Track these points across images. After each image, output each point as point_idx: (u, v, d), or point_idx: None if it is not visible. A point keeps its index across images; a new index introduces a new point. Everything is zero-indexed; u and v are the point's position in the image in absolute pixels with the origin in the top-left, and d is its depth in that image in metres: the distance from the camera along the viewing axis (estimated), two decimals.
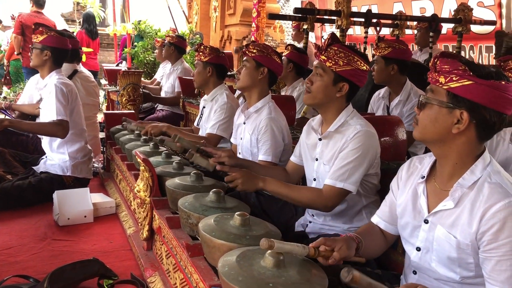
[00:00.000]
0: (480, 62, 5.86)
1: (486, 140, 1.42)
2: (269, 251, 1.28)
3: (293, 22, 6.40)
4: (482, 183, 1.35)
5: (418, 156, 1.65)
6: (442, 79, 1.37)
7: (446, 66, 1.38)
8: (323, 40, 2.95)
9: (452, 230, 1.39)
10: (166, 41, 5.11)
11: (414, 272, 1.56)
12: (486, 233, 1.30)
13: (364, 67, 1.99)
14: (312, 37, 9.06)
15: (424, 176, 1.52)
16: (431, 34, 4.60)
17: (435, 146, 1.45)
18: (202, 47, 3.28)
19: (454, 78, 1.34)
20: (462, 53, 5.84)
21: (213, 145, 3.06)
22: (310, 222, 2.25)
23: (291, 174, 2.37)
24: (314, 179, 2.19)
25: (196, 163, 2.16)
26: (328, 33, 9.28)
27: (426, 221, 1.48)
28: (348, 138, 1.99)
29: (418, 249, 1.52)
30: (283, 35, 10.50)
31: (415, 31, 5.25)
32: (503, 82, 1.33)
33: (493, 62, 5.44)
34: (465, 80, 1.33)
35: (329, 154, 2.07)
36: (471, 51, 5.95)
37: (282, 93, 4.29)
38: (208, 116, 3.24)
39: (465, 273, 1.40)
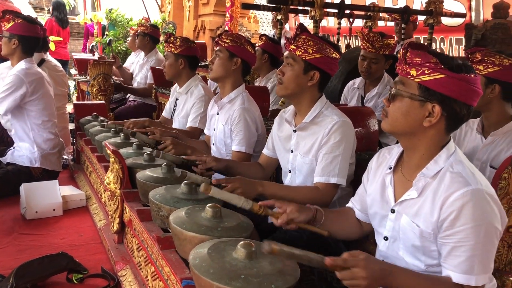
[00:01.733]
0: (450, 54, 5.98)
1: (453, 131, 1.45)
2: (241, 242, 1.27)
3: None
4: (444, 173, 1.38)
5: (387, 147, 1.67)
6: (413, 72, 1.37)
7: (417, 59, 1.38)
8: None
9: (415, 219, 1.42)
10: (139, 31, 5.01)
11: None
12: (445, 221, 1.33)
13: (334, 55, 2.00)
14: (287, 28, 9.04)
15: (391, 167, 1.54)
16: (403, 26, 4.65)
17: (405, 138, 1.47)
18: (172, 38, 3.21)
19: (426, 71, 1.35)
20: (433, 45, 5.93)
21: (196, 138, 3.03)
22: None
23: (265, 167, 2.36)
24: (290, 171, 2.19)
25: (164, 158, 2.13)
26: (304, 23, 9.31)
27: (392, 211, 1.51)
28: (326, 130, 1.99)
29: (386, 238, 1.54)
30: (257, 25, 10.48)
31: (389, 23, 5.32)
32: (472, 75, 1.36)
33: (462, 54, 5.54)
34: (437, 74, 1.34)
35: (306, 146, 2.07)
36: (441, 43, 6.05)
37: (256, 84, 4.27)
38: (182, 109, 3.19)
39: (429, 261, 1.43)
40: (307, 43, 1.97)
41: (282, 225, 1.56)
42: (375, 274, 1.26)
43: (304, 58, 1.98)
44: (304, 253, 1.28)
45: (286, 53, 2.05)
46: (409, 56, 1.41)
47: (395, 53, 4.39)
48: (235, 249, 1.27)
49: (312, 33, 4.15)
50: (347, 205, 1.79)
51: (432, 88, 1.35)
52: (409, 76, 1.39)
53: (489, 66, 2.19)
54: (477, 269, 1.30)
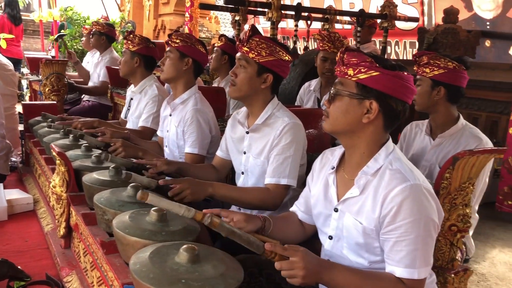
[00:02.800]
0: (405, 57, 6.15)
1: (390, 129, 1.50)
2: (184, 246, 1.25)
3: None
4: (384, 170, 1.42)
5: (330, 149, 1.71)
6: (350, 71, 1.43)
7: (353, 59, 1.44)
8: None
9: (358, 216, 1.45)
10: (94, 30, 4.88)
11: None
12: (386, 217, 1.37)
13: (287, 58, 2.02)
14: (247, 29, 9.05)
15: (334, 167, 1.58)
16: (359, 29, 4.74)
17: (345, 136, 1.50)
18: (131, 35, 3.16)
19: (362, 70, 1.41)
20: (389, 48, 6.09)
21: (147, 138, 2.97)
22: None
23: (219, 169, 2.34)
24: (243, 173, 2.19)
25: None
26: (263, 25, 9.35)
27: (336, 210, 1.53)
28: (277, 132, 2.00)
29: (330, 237, 1.57)
30: (218, 26, 10.44)
31: (346, 26, 5.40)
32: (406, 73, 1.43)
33: None
34: (372, 71, 1.40)
35: (258, 147, 2.07)
36: (396, 46, 6.21)
37: (215, 85, 4.25)
38: (136, 109, 3.14)
39: (373, 258, 1.46)
40: (260, 46, 1.97)
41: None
42: (312, 267, 1.30)
43: (257, 61, 1.98)
44: (244, 234, 1.27)
45: (238, 55, 2.04)
46: (346, 57, 1.47)
47: None
48: (177, 253, 1.25)
49: (270, 34, 4.19)
50: (290, 209, 1.80)
51: (369, 85, 1.41)
52: (346, 76, 1.45)
53: (435, 69, 2.27)
54: (419, 262, 1.34)
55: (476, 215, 2.51)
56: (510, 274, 2.79)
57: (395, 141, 1.82)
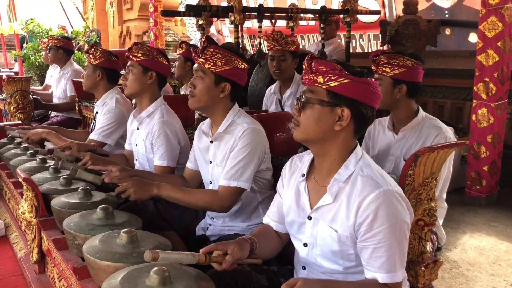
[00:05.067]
0: (370, 49, 6.24)
1: (359, 134, 1.52)
2: (154, 268, 1.26)
3: None
4: (356, 177, 1.44)
5: (298, 155, 1.71)
6: (320, 79, 1.43)
7: (322, 67, 1.44)
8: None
9: (332, 224, 1.47)
10: (50, 45, 4.79)
11: (303, 268, 1.62)
12: (362, 224, 1.39)
13: (243, 65, 2.04)
14: (213, 30, 9.02)
15: (304, 174, 1.58)
16: (322, 25, 4.79)
17: (317, 144, 1.50)
18: (93, 49, 3.12)
19: (332, 78, 1.42)
20: (353, 42, 6.16)
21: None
22: (210, 225, 2.25)
23: (190, 180, 2.35)
24: (210, 182, 2.20)
25: (81, 178, 2.06)
26: (228, 26, 9.33)
27: (309, 218, 1.54)
28: (236, 137, 2.02)
29: (305, 245, 1.58)
30: (185, 28, 10.37)
31: (311, 22, 5.45)
32: (373, 80, 1.46)
33: (380, 49, 5.80)
34: (343, 79, 1.41)
35: (221, 155, 2.09)
36: (360, 39, 6.30)
37: (182, 92, 4.24)
38: (99, 122, 3.11)
39: (347, 264, 1.48)
40: (215, 56, 1.98)
41: (228, 268, 1.45)
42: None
43: (214, 71, 2.00)
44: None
45: (195, 66, 2.05)
46: (314, 65, 1.47)
47: (316, 53, 4.53)
48: (148, 275, 1.26)
49: (234, 37, 4.20)
50: (264, 220, 1.79)
51: (340, 93, 1.42)
52: (316, 84, 1.45)
53: (395, 68, 2.32)
54: (397, 265, 1.39)
55: (445, 203, 2.58)
56: (480, 259, 2.88)
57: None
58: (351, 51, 4.99)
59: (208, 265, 1.45)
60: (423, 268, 1.84)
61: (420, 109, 2.47)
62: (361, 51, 6.27)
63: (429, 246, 1.97)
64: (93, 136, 3.00)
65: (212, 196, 2.02)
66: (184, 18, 10.20)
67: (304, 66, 1.52)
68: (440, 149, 1.79)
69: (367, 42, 6.21)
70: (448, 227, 3.19)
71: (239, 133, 2.01)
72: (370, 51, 6.10)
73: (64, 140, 2.81)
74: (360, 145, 1.63)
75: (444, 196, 2.55)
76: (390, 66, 2.34)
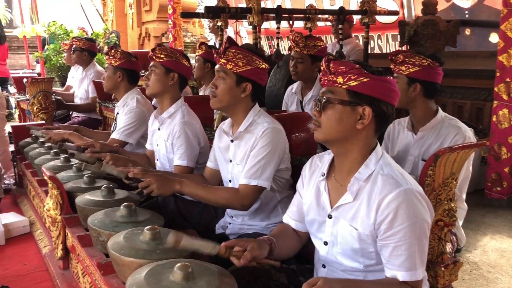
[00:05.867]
0: (388, 50, 6.21)
1: (380, 132, 1.54)
2: (178, 264, 1.29)
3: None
4: (376, 176, 1.46)
5: (319, 154, 1.73)
6: (340, 80, 1.45)
7: (341, 67, 1.47)
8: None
9: (353, 222, 1.48)
10: (75, 46, 4.89)
11: (324, 266, 1.64)
12: (382, 223, 1.40)
13: (263, 66, 2.07)
14: (231, 32, 9.08)
15: (324, 174, 1.60)
16: (340, 26, 4.79)
17: (338, 144, 1.52)
18: (113, 50, 3.18)
19: (352, 77, 1.44)
20: (371, 43, 6.14)
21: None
22: (229, 223, 2.28)
23: (209, 179, 2.38)
24: (230, 181, 2.23)
25: (106, 172, 2.09)
26: (246, 28, 9.37)
27: (330, 216, 1.56)
28: (257, 137, 2.04)
29: (326, 243, 1.59)
30: (203, 29, 10.44)
31: (329, 23, 5.44)
32: (391, 78, 1.48)
33: (399, 49, 5.77)
34: (362, 78, 1.43)
35: (241, 154, 2.12)
36: (379, 40, 6.27)
37: (201, 93, 4.28)
38: (120, 123, 3.16)
39: (368, 262, 1.50)
40: (237, 56, 2.02)
41: (245, 264, 1.49)
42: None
43: (235, 71, 2.03)
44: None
45: (217, 67, 2.09)
46: (332, 66, 1.49)
47: (334, 53, 4.53)
48: (172, 271, 1.29)
49: (252, 38, 4.22)
50: (283, 220, 1.81)
51: (360, 92, 1.44)
52: (336, 84, 1.47)
53: (410, 67, 2.34)
54: (418, 263, 1.40)
55: (465, 204, 2.57)
56: (501, 261, 2.85)
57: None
58: (369, 51, 4.98)
59: (227, 258, 1.48)
60: (443, 268, 1.84)
61: (440, 109, 2.46)
62: (380, 52, 6.25)
63: (448, 247, 1.96)
64: (115, 135, 3.05)
65: (233, 194, 2.05)
66: (202, 19, 10.29)
67: (321, 68, 1.55)
68: (460, 150, 1.78)
69: (386, 43, 6.18)
70: (468, 229, 3.16)
71: (260, 132, 2.03)
72: (388, 51, 6.07)
73: (86, 140, 2.87)
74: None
75: (464, 196, 2.54)
76: (406, 65, 2.36)
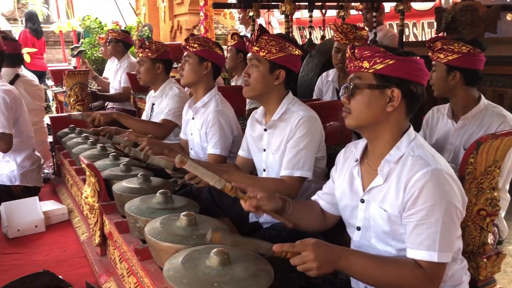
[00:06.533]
0: (424, 38, 6.03)
1: (412, 114, 1.51)
2: (214, 250, 1.29)
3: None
4: (406, 157, 1.44)
5: (354, 142, 1.72)
6: (366, 64, 1.45)
7: (366, 52, 1.47)
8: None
9: (383, 204, 1.47)
10: (110, 38, 4.97)
11: None
12: (408, 201, 1.39)
13: (297, 52, 2.04)
14: (261, 23, 9.03)
15: (357, 159, 1.60)
16: (374, 14, 4.68)
17: (369, 129, 1.51)
18: (147, 43, 3.20)
19: (378, 61, 1.43)
20: (406, 30, 5.98)
21: (167, 131, 3.02)
22: None
23: (242, 168, 2.38)
24: (264, 170, 2.22)
25: (154, 163, 2.08)
26: (277, 18, 9.31)
27: (362, 201, 1.56)
28: (293, 125, 2.02)
29: (358, 228, 1.59)
30: (233, 21, 10.43)
31: (361, 12, 5.34)
32: (418, 57, 1.46)
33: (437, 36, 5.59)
34: (388, 60, 1.43)
35: (276, 143, 2.10)
36: (414, 28, 6.10)
37: (233, 83, 4.28)
38: (158, 111, 3.17)
39: (400, 245, 1.47)
40: (270, 43, 1.99)
41: (250, 209, 1.57)
42: (324, 256, 1.33)
43: (268, 58, 2.00)
44: (249, 240, 1.32)
45: (249, 55, 2.07)
46: (357, 52, 1.50)
47: (368, 42, 4.43)
48: (208, 257, 1.30)
49: (284, 27, 4.18)
50: (312, 198, 1.82)
51: (387, 74, 1.43)
52: (363, 69, 1.47)
53: (449, 54, 2.26)
54: (439, 246, 1.35)
55: (508, 195, 2.48)
56: None
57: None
58: (404, 40, 4.85)
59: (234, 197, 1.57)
60: (484, 260, 1.79)
61: (482, 97, 2.37)
62: (415, 40, 6.09)
63: (490, 238, 1.90)
64: (165, 116, 3.03)
65: (281, 185, 2.02)
66: (233, 11, 10.29)
67: (347, 55, 1.55)
68: (504, 137, 1.72)
69: (421, 31, 6.01)
70: (510, 221, 3.05)
71: (295, 121, 2.01)
72: (423, 39, 5.90)
73: (132, 119, 2.87)
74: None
75: (507, 187, 2.44)
76: (444, 52, 2.28)
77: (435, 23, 4.97)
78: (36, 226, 2.70)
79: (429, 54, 2.39)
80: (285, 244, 1.34)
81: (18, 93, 3.21)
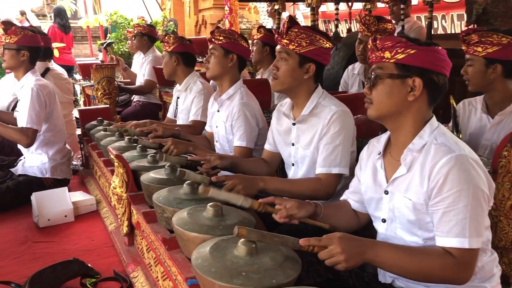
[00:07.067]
0: (453, 30, 5.90)
1: (434, 104, 1.50)
2: (242, 240, 1.29)
3: None
4: (429, 145, 1.43)
5: (376, 137, 1.72)
6: (387, 54, 1.46)
7: (388, 42, 1.47)
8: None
9: (407, 193, 1.46)
10: (136, 32, 5.02)
11: None
12: (433, 189, 1.37)
13: (327, 45, 2.00)
14: (285, 16, 8.98)
15: (380, 152, 1.59)
16: (402, 6, 4.60)
17: (391, 119, 1.51)
18: (166, 37, 3.24)
19: (399, 50, 1.43)
20: (435, 23, 5.86)
21: (198, 131, 3.04)
22: None
23: (270, 162, 2.36)
24: (293, 164, 2.20)
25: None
26: (302, 11, 9.25)
27: (386, 192, 1.55)
28: (325, 121, 1.99)
29: (384, 220, 1.58)
30: (258, 16, 10.41)
31: (387, 5, 5.25)
32: (440, 48, 1.46)
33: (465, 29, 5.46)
34: (410, 50, 1.43)
35: (307, 138, 2.08)
36: (443, 20, 5.97)
37: (258, 77, 4.27)
38: (184, 106, 3.21)
39: (426, 235, 1.46)
40: (300, 36, 1.96)
41: (282, 221, 1.58)
42: (352, 249, 1.33)
43: (298, 52, 1.97)
44: (275, 235, 1.31)
45: (278, 48, 2.03)
46: (379, 43, 1.50)
47: (395, 35, 4.35)
48: (236, 246, 1.30)
49: (310, 20, 4.15)
50: (341, 198, 1.81)
51: (408, 64, 1.43)
52: (384, 60, 1.47)
53: (488, 47, 2.18)
54: (469, 231, 1.32)
55: None
56: None
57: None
58: (432, 33, 4.75)
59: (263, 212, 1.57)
60: None
61: None
62: (444, 33, 5.96)
63: None
64: (194, 117, 3.08)
65: (318, 184, 2.00)
66: (258, 6, 10.26)
67: (369, 46, 1.54)
68: None
69: (450, 23, 5.87)
70: None
71: (328, 117, 1.98)
72: (453, 32, 5.77)
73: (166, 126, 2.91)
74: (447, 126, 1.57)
75: None
76: (482, 45, 2.20)
77: (465, 15, 4.85)
78: (65, 216, 2.76)
79: (463, 47, 2.32)
80: (312, 238, 1.33)
81: (52, 87, 3.28)
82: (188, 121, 3.15)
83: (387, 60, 1.45)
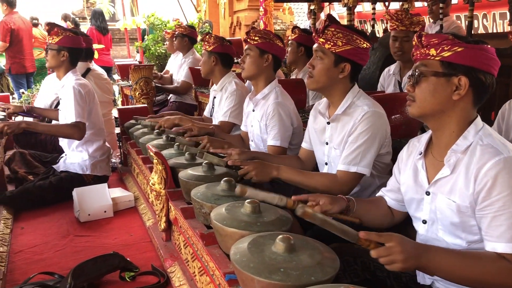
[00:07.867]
0: (495, 30, 5.72)
1: (479, 104, 1.45)
2: (280, 236, 1.30)
3: None
4: (475, 147, 1.39)
5: (417, 137, 1.68)
6: (433, 52, 1.42)
7: (434, 39, 1.43)
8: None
9: (451, 195, 1.42)
10: (177, 32, 5.11)
11: None
12: (480, 192, 1.33)
13: (365, 45, 1.98)
14: (322, 17, 8.93)
15: (421, 152, 1.56)
16: (441, 5, 4.50)
17: (434, 118, 1.47)
18: (207, 36, 3.28)
19: (445, 48, 1.39)
20: (475, 22, 5.71)
21: (226, 132, 3.08)
22: None
23: (305, 160, 2.36)
24: (326, 163, 2.19)
25: (207, 161, 2.13)
26: (338, 11, 9.17)
27: (428, 193, 1.51)
28: (356, 120, 1.98)
29: (424, 221, 1.55)
30: (292, 17, 10.40)
31: (425, 4, 5.15)
32: (488, 46, 1.40)
33: (508, 29, 5.29)
34: (456, 47, 1.38)
35: (338, 138, 2.07)
36: (484, 19, 5.80)
37: (293, 77, 4.26)
38: (219, 106, 3.25)
39: (470, 237, 1.42)
40: (336, 35, 1.95)
41: None
42: (410, 250, 1.29)
43: (334, 51, 1.96)
44: (337, 223, 1.31)
45: (315, 46, 2.03)
46: (425, 39, 1.46)
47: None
48: (274, 243, 1.31)
49: (346, 20, 4.11)
50: (377, 194, 1.80)
51: (455, 62, 1.39)
52: (429, 57, 1.43)
53: None
54: None
55: None
56: None
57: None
58: (472, 32, 4.63)
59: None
60: None
61: None
62: (485, 32, 5.79)
63: None
64: (223, 118, 3.12)
65: (332, 181, 2.00)
66: (293, 7, 10.25)
67: (413, 43, 1.51)
68: None
69: (492, 22, 5.70)
70: None
71: (359, 116, 1.96)
72: (494, 31, 5.59)
73: (200, 124, 2.97)
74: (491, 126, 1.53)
75: None
76: None
77: (508, 14, 4.71)
78: (105, 212, 2.84)
79: None
80: (372, 232, 1.32)
81: (92, 87, 3.38)
82: (217, 121, 3.18)
83: (432, 58, 1.42)
